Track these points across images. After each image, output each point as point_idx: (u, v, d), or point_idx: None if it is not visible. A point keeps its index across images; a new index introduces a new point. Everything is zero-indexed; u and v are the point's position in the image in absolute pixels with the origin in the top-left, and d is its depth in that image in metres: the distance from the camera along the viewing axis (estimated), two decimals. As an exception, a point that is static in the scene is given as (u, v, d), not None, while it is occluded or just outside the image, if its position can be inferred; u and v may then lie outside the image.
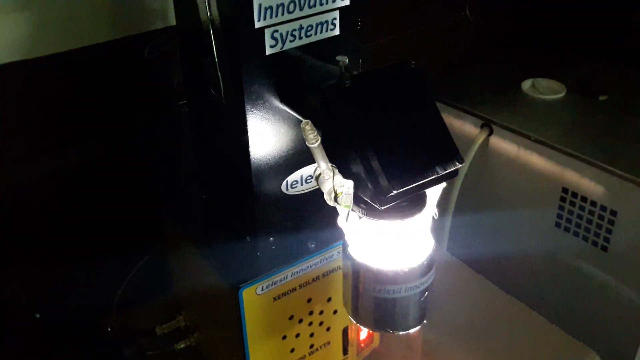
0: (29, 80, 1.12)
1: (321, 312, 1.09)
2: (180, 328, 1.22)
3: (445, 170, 0.77)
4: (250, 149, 0.92)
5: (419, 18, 1.68)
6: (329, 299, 1.09)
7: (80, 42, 1.15)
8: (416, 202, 0.81)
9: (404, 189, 0.74)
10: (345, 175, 0.77)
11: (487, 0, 1.77)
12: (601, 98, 1.63)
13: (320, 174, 0.78)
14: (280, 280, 1.00)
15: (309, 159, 0.99)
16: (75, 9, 1.12)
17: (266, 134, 0.93)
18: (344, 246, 0.87)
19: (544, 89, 1.68)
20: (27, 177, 1.17)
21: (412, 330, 0.89)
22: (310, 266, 1.03)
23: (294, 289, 1.03)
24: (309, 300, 1.06)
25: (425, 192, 0.82)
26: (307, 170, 1.00)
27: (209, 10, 0.87)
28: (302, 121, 0.92)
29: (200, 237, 1.09)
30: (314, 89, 0.85)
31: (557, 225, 1.50)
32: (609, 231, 1.40)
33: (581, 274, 1.47)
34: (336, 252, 1.05)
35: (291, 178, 0.99)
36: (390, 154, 0.75)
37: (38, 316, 1.23)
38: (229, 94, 0.91)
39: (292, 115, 0.93)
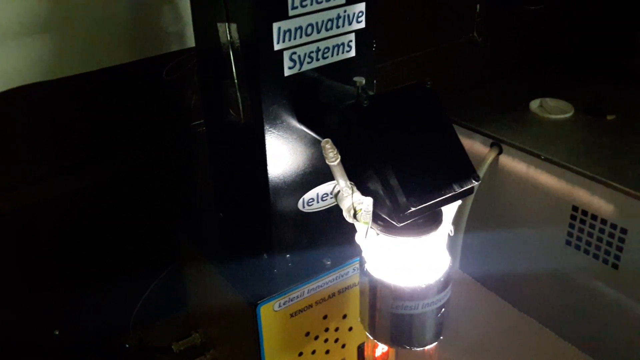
0: (47, 102, 1.15)
1: (337, 329, 1.10)
2: (196, 345, 1.23)
3: (462, 188, 0.79)
4: (268, 168, 0.95)
5: (428, 40, 1.71)
6: (345, 316, 1.10)
7: (99, 64, 1.18)
8: (433, 219, 0.83)
9: (422, 206, 0.76)
10: (364, 192, 0.79)
11: (494, 22, 1.79)
12: (609, 117, 1.65)
13: (339, 192, 0.80)
14: (297, 297, 1.02)
15: (325, 177, 1.01)
16: (95, 32, 1.15)
17: (283, 152, 0.95)
18: (361, 263, 0.88)
19: (552, 109, 1.70)
20: (46, 196, 1.19)
21: (428, 347, 0.90)
22: (327, 283, 1.04)
23: (310, 306, 1.04)
24: (325, 317, 1.07)
25: (441, 210, 0.84)
26: (323, 188, 1.02)
27: (229, 33, 0.89)
28: (319, 140, 0.94)
29: (217, 254, 1.11)
30: (332, 109, 0.87)
31: (568, 243, 1.50)
32: (619, 249, 1.41)
33: (592, 292, 1.48)
34: (352, 269, 1.07)
35: (307, 196, 1.01)
36: (408, 171, 0.77)
37: (57, 333, 1.24)
38: (248, 114, 0.93)
39: (309, 134, 0.95)
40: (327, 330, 1.09)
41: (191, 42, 1.25)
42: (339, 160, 0.76)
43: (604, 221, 1.42)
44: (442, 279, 0.86)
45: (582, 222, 1.46)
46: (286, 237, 1.03)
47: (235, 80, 0.92)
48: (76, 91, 1.17)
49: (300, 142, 0.96)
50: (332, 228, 1.06)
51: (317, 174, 1.00)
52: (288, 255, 1.04)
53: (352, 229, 0.99)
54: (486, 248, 1.66)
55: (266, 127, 0.91)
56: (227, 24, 0.89)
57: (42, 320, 1.25)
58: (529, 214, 1.57)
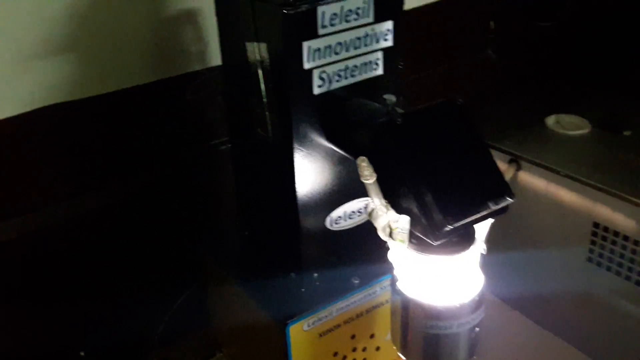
0: (71, 122, 1.15)
1: (364, 349, 1.09)
2: (219, 365, 1.22)
3: (498, 205, 0.79)
4: (297, 186, 0.94)
5: (443, 57, 1.71)
6: (372, 336, 1.09)
7: (122, 84, 1.18)
8: (467, 237, 0.82)
9: (458, 224, 0.75)
10: (397, 211, 0.79)
11: (508, 39, 1.80)
12: (625, 133, 1.64)
13: (373, 210, 0.79)
14: (326, 317, 1.01)
15: (352, 195, 1.01)
16: (118, 52, 1.16)
17: (312, 170, 0.95)
18: (393, 281, 0.87)
19: (568, 125, 1.69)
20: (72, 215, 1.19)
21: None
22: (355, 302, 1.04)
23: (339, 325, 1.03)
24: (353, 337, 1.06)
25: (474, 228, 0.83)
26: (350, 206, 1.01)
27: (259, 52, 0.89)
28: (346, 158, 0.94)
29: (243, 273, 1.10)
30: (361, 127, 0.87)
31: (590, 260, 1.49)
32: (643, 265, 1.39)
33: (615, 309, 1.46)
34: (379, 288, 1.06)
35: (335, 214, 1.00)
36: (444, 189, 0.76)
37: (82, 354, 1.23)
38: (276, 133, 0.93)
39: (337, 152, 0.95)
40: (354, 350, 1.08)
41: (212, 62, 1.26)
42: (375, 178, 0.76)
43: (626, 237, 1.41)
44: (476, 298, 0.85)
45: (604, 238, 1.45)
46: (314, 256, 1.02)
47: (264, 99, 0.92)
48: (100, 111, 1.17)
49: (328, 160, 0.96)
50: (360, 246, 1.05)
51: (345, 192, 1.00)
52: (316, 274, 1.03)
53: (379, 247, 0.99)
54: (506, 266, 1.65)
55: (295, 145, 0.91)
56: (256, 43, 0.89)
57: (68, 340, 1.24)
58: (549, 231, 1.56)
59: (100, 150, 1.19)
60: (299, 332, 0.98)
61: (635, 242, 1.39)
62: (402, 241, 0.77)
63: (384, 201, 0.78)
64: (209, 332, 1.25)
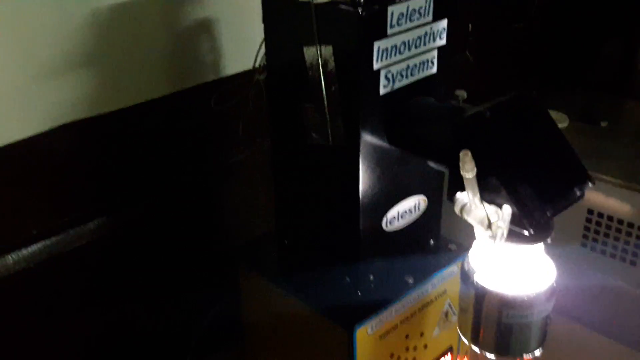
0: (90, 138, 1.10)
1: (415, 348, 1.09)
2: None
3: (582, 191, 0.81)
4: (360, 190, 0.93)
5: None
6: (422, 334, 1.09)
7: (140, 97, 1.14)
8: (548, 224, 0.84)
9: (556, 211, 0.77)
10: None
11: (484, 41, 1.86)
12: (603, 124, 1.74)
13: (465, 204, 0.80)
14: (386, 318, 1.00)
15: (404, 194, 1.01)
16: (136, 65, 1.12)
17: (374, 172, 0.94)
18: (468, 274, 0.88)
19: (547, 119, 1.77)
20: (109, 228, 1.15)
21: (537, 353, 0.91)
22: (410, 301, 1.04)
23: (396, 326, 1.03)
24: (407, 337, 1.06)
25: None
26: (403, 205, 1.01)
27: (321, 56, 0.88)
28: (403, 157, 0.95)
29: (292, 281, 1.07)
30: (438, 123, 0.88)
31: (584, 245, 1.56)
32: (637, 247, 1.47)
33: (612, 289, 1.54)
34: (430, 286, 1.06)
35: (390, 214, 1.00)
36: (535, 179, 0.78)
37: None
38: (339, 136, 0.92)
39: (394, 152, 0.95)
40: (407, 349, 1.08)
41: (227, 71, 1.23)
42: (475, 172, 0.76)
43: (620, 221, 1.49)
44: (554, 284, 0.87)
45: (598, 224, 1.53)
46: (370, 258, 1.01)
47: (325, 102, 0.90)
48: (125, 124, 1.14)
49: (387, 160, 0.95)
50: (409, 244, 1.06)
51: (398, 191, 1.00)
52: (371, 276, 1.02)
53: (427, 243, 1.00)
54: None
55: (361, 147, 0.90)
56: (317, 46, 0.88)
57: (103, 348, 1.19)
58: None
59: (126, 164, 1.15)
60: (364, 336, 0.97)
61: (630, 225, 1.47)
62: (502, 233, 0.77)
63: (478, 195, 0.78)
64: (245, 343, 1.21)
